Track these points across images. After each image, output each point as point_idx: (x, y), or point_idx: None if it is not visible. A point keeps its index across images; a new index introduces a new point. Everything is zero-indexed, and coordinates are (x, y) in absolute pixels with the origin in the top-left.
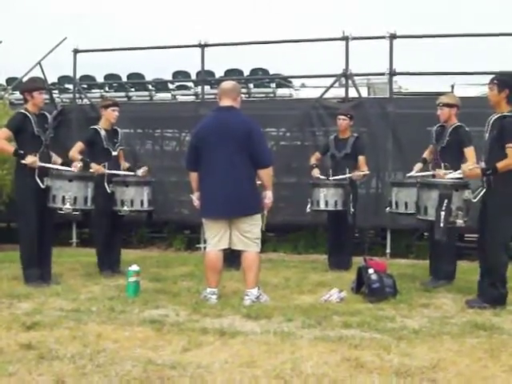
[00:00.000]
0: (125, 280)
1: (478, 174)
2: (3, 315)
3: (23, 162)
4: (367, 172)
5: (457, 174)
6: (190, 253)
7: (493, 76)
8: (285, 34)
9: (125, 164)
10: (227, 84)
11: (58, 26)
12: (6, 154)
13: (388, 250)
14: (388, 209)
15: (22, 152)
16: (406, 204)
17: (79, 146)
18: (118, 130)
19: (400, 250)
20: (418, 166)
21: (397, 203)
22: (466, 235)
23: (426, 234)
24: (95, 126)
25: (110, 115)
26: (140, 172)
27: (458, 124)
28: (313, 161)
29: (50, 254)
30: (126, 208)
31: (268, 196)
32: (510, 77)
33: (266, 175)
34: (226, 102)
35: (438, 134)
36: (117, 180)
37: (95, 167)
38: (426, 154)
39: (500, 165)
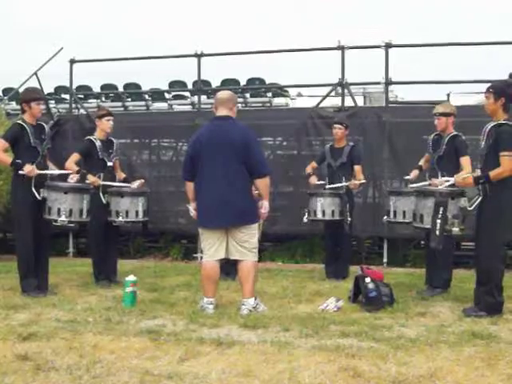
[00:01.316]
0: (121, 290)
1: (470, 183)
2: None
3: (21, 172)
4: (364, 181)
5: (450, 182)
6: (187, 263)
7: (489, 85)
8: (281, 44)
9: (120, 174)
10: (223, 94)
11: (54, 33)
12: (3, 164)
13: (385, 259)
14: (386, 217)
15: (19, 162)
16: (404, 213)
17: (75, 156)
18: (114, 140)
19: (397, 258)
20: (415, 172)
21: (395, 212)
22: (463, 243)
23: (422, 242)
24: (90, 137)
25: (105, 125)
26: (135, 185)
27: (455, 133)
28: (309, 170)
29: (47, 264)
30: (120, 219)
31: (264, 206)
32: (506, 85)
33: (262, 185)
34: (222, 112)
35: (434, 142)
36: (112, 190)
37: (92, 179)
38: (421, 162)
39: (493, 173)
